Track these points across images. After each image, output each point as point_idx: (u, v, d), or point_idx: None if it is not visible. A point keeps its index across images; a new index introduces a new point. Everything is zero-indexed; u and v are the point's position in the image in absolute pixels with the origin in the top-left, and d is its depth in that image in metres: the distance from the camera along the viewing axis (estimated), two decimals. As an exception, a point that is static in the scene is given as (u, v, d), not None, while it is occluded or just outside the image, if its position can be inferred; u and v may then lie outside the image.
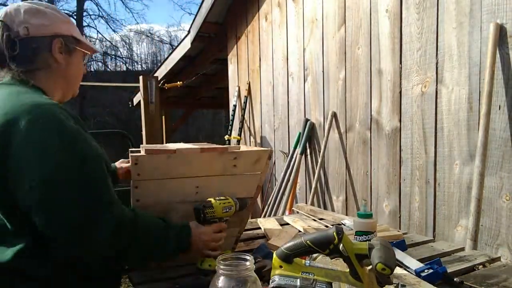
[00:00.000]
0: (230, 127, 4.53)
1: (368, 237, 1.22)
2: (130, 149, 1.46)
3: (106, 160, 1.06)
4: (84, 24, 17.73)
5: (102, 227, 0.92)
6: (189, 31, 4.68)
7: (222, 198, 1.20)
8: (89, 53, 1.21)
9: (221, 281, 0.83)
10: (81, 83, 1.27)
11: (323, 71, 3.05)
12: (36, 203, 0.90)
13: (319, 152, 3.04)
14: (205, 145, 1.38)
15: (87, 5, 21.42)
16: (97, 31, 23.14)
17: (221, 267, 0.83)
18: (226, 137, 4.47)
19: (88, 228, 0.91)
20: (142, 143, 5.12)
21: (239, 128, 4.34)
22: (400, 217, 2.41)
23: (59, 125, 0.94)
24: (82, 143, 0.96)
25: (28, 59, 1.05)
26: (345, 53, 2.81)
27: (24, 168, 0.90)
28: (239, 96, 4.46)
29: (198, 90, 7.12)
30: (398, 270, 1.13)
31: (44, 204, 0.90)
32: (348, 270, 0.90)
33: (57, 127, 0.93)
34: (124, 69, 18.40)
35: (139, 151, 1.33)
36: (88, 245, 0.94)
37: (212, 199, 1.18)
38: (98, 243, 0.94)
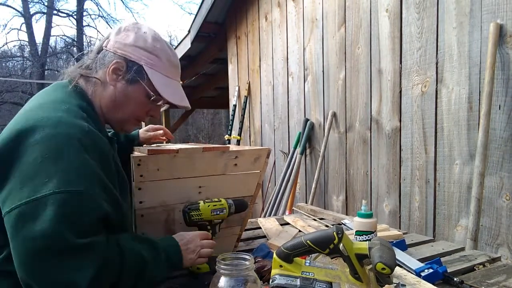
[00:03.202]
0: (230, 127, 4.53)
1: (368, 236, 1.22)
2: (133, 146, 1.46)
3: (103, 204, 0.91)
4: (84, 24, 17.74)
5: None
6: (189, 31, 4.68)
7: (214, 200, 1.18)
8: (155, 96, 1.09)
9: (221, 281, 0.83)
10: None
11: (323, 71, 3.05)
12: (9, 231, 0.83)
13: (319, 152, 3.04)
14: (206, 145, 1.38)
15: (87, 5, 21.42)
16: (97, 31, 23.07)
17: (221, 266, 0.83)
18: (226, 137, 4.47)
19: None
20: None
21: (239, 128, 4.35)
22: (400, 217, 2.41)
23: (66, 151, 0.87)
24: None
25: (95, 67, 1.09)
26: (345, 53, 2.81)
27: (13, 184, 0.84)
28: (239, 96, 4.46)
29: (198, 90, 7.12)
30: (398, 270, 1.13)
31: (13, 236, 0.82)
32: (348, 269, 0.90)
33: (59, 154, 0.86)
34: (124, 69, 18.38)
35: (139, 149, 1.33)
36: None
37: (201, 201, 1.16)
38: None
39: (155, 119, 1.22)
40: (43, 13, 16.85)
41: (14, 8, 17.46)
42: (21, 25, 17.59)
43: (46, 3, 16.70)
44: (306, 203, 2.89)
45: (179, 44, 5.19)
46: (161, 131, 1.53)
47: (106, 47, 1.09)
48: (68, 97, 1.02)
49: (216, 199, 1.18)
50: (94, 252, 0.84)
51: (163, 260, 1.00)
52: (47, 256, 0.79)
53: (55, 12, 17.09)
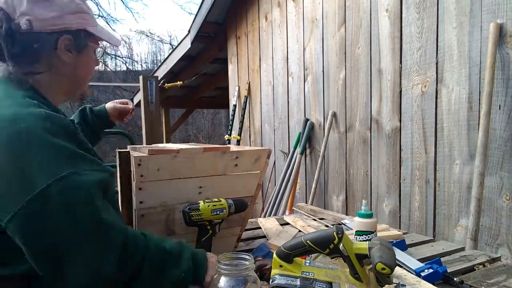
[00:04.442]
0: (230, 127, 4.54)
1: (368, 236, 1.22)
2: (130, 146, 1.46)
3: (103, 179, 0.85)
4: (84, 23, 17.67)
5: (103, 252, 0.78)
6: (189, 31, 4.68)
7: (214, 200, 1.18)
8: (100, 49, 1.07)
9: (221, 281, 0.83)
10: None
11: (323, 71, 3.05)
12: (17, 234, 0.76)
13: (319, 152, 3.04)
14: (206, 145, 1.38)
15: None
16: (97, 30, 22.86)
17: (221, 266, 0.83)
18: (226, 137, 4.47)
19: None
20: (142, 143, 5.12)
21: (239, 128, 4.35)
22: (400, 217, 2.41)
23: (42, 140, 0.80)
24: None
25: (30, 58, 0.91)
26: (345, 53, 2.81)
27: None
28: (239, 96, 4.46)
29: (198, 90, 7.13)
30: (398, 270, 1.13)
31: (24, 236, 0.76)
32: (348, 269, 0.90)
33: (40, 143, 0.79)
34: (124, 69, 18.36)
35: (139, 149, 1.33)
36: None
37: (201, 201, 1.16)
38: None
39: (98, 64, 1.12)
40: (43, 12, 16.82)
41: (14, 8, 17.40)
42: (21, 25, 17.52)
43: (46, 3, 16.67)
44: (306, 203, 2.89)
45: (179, 44, 5.19)
46: (130, 106, 1.53)
47: (32, 30, 0.88)
48: (13, 91, 0.88)
49: (216, 199, 1.18)
50: (115, 231, 0.79)
51: (187, 257, 0.90)
52: (80, 246, 0.75)
53: (55, 12, 17.06)
